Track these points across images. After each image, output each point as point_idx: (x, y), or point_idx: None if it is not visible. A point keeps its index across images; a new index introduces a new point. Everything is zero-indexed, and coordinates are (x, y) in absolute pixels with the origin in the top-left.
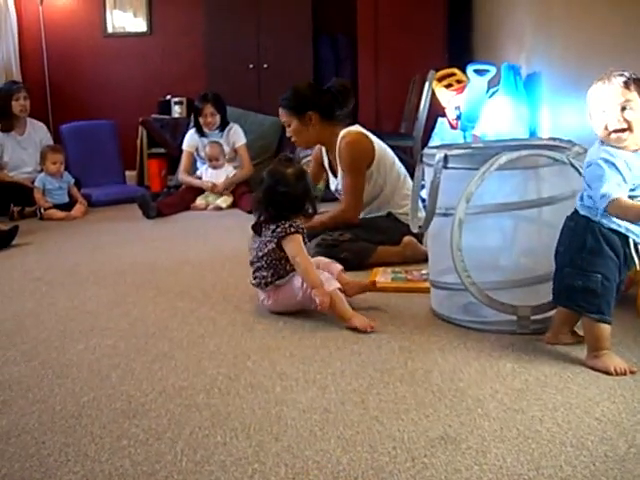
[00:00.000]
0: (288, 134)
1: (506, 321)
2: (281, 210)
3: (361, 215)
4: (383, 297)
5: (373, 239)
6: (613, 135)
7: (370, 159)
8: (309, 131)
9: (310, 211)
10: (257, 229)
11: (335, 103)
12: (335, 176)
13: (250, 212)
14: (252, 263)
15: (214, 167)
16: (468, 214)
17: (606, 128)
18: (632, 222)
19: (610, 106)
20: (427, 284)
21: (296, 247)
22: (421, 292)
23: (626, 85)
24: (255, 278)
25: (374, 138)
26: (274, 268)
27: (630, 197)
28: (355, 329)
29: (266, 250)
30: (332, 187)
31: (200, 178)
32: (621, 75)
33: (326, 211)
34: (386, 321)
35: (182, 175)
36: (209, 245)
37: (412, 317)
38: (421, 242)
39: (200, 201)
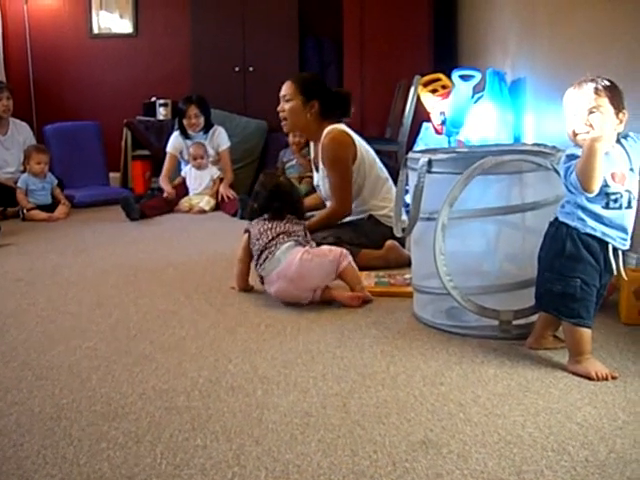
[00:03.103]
0: (280, 110)
1: (489, 326)
2: (284, 207)
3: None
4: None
5: (355, 242)
6: (579, 137)
7: (353, 155)
8: (304, 117)
9: (302, 214)
10: (277, 215)
11: (339, 107)
12: (317, 171)
13: (234, 215)
14: (277, 235)
15: (198, 167)
16: (451, 219)
17: (574, 131)
18: (593, 168)
19: (579, 110)
20: (410, 289)
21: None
22: (404, 297)
23: (596, 91)
24: (285, 241)
25: (357, 137)
26: (304, 239)
27: (609, 207)
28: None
29: (297, 228)
30: (314, 181)
31: (184, 180)
32: (593, 81)
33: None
34: (369, 325)
35: (161, 179)
36: (192, 247)
37: (395, 321)
38: (404, 246)
39: (184, 204)
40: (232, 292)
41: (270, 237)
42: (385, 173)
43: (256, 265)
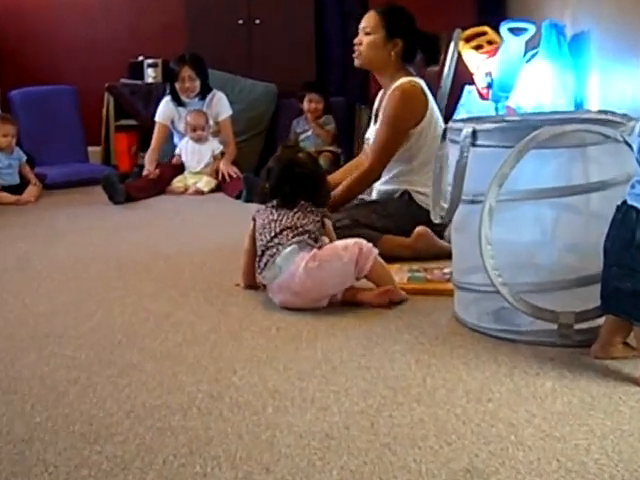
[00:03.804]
0: (356, 42)
1: (545, 331)
2: (297, 193)
3: (374, 192)
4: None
5: (377, 224)
6: None
7: (417, 120)
8: (382, 54)
9: (324, 199)
10: (287, 202)
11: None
12: (375, 122)
13: (238, 197)
14: (281, 231)
15: (197, 140)
16: (500, 201)
17: None
18: None
19: None
20: (450, 285)
21: (332, 231)
22: (443, 295)
23: None
24: (287, 242)
25: (431, 99)
26: (315, 235)
27: None
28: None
29: (308, 221)
30: (367, 135)
31: (180, 156)
32: None
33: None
34: (401, 329)
35: (148, 153)
36: (187, 236)
37: (432, 325)
38: (441, 236)
39: (177, 184)
40: (237, 289)
41: (273, 233)
42: None
43: (257, 268)
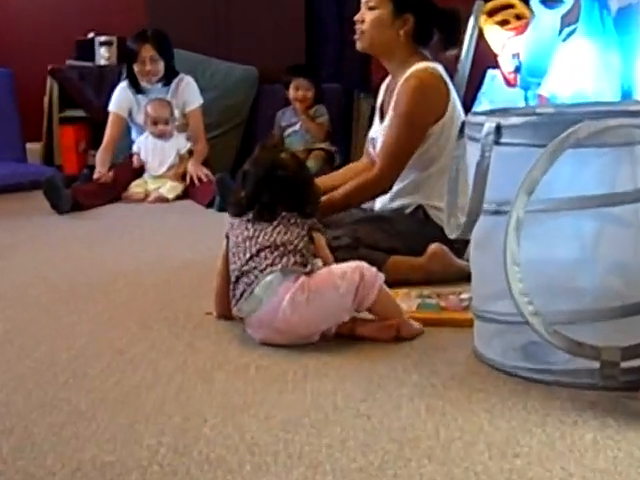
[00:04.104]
0: (357, 19)
1: (584, 370)
2: (277, 201)
3: (377, 204)
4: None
5: (383, 245)
6: None
7: (437, 115)
8: (390, 34)
9: (312, 208)
10: (264, 214)
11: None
12: (382, 120)
13: (209, 205)
14: (258, 252)
15: (160, 135)
16: (530, 212)
17: None
18: None
19: None
20: (469, 315)
21: (325, 247)
22: (460, 326)
23: None
24: (268, 267)
25: (453, 90)
26: (302, 254)
27: None
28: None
29: (292, 237)
30: (370, 134)
31: (138, 155)
32: None
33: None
34: (409, 368)
35: (100, 151)
36: (149, 253)
37: (447, 363)
38: (460, 253)
39: (136, 189)
40: (208, 319)
41: (248, 255)
42: None
43: (232, 297)
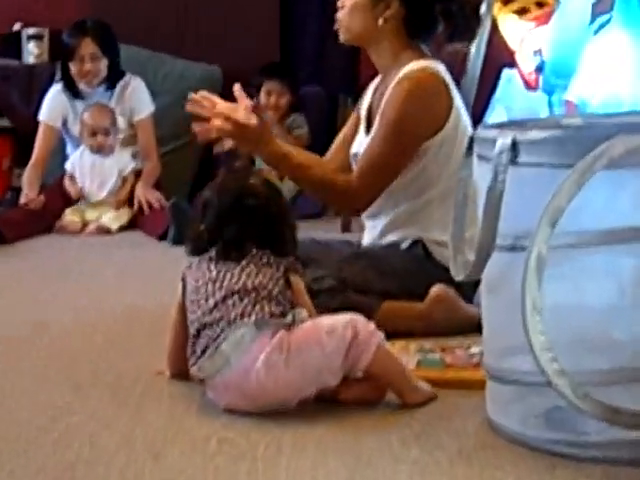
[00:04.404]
0: (338, 5)
1: (622, 442)
2: (246, 236)
3: (366, 238)
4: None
5: (375, 288)
6: None
7: (435, 126)
8: (367, 22)
9: (290, 244)
10: (231, 250)
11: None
12: (368, 132)
13: (162, 237)
14: (224, 298)
15: (98, 150)
16: (554, 248)
17: None
18: None
19: None
20: (480, 373)
21: (304, 292)
22: (470, 388)
23: None
24: (238, 319)
25: (457, 95)
26: (278, 302)
27: None
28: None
29: (265, 279)
30: (352, 149)
31: (72, 176)
32: None
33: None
34: (407, 441)
35: (28, 170)
36: (88, 298)
37: (453, 434)
38: (468, 298)
39: (71, 217)
40: (160, 380)
41: (212, 302)
42: None
43: (191, 354)
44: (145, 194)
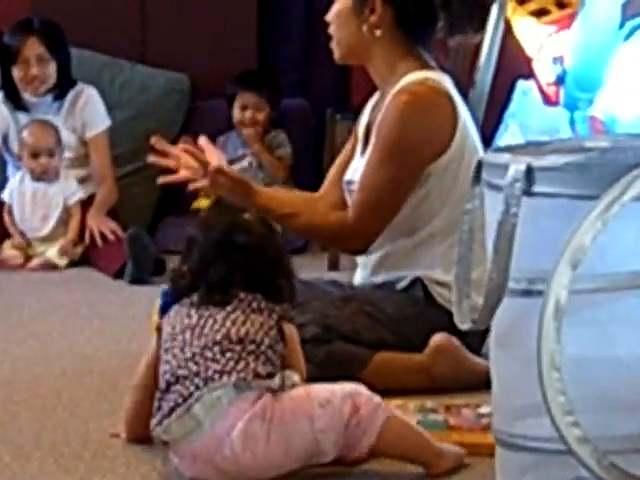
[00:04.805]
0: (328, 20)
1: None
2: (234, 278)
3: (357, 277)
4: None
5: (365, 335)
6: None
7: (439, 147)
8: (355, 32)
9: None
10: (213, 295)
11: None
12: (362, 151)
13: (118, 275)
14: (203, 349)
15: (41, 175)
16: (576, 293)
17: None
18: None
19: None
20: (490, 438)
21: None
22: (478, 454)
23: None
24: (215, 377)
25: (464, 111)
26: (267, 359)
27: None
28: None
29: (253, 329)
30: (346, 176)
31: (10, 208)
32: None
33: None
34: None
35: None
36: (30, 347)
37: None
38: (475, 349)
39: (11, 251)
40: (114, 442)
41: (189, 353)
42: None
43: (155, 411)
44: (98, 224)
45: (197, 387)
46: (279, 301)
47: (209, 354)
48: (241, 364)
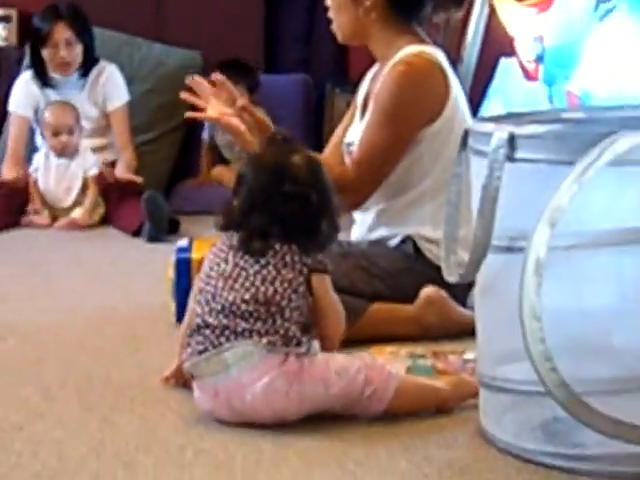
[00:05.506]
0: (327, 4)
1: (624, 455)
2: (272, 230)
3: (353, 233)
4: None
5: (361, 288)
6: None
7: (431, 113)
8: (354, 15)
9: (326, 238)
10: (251, 243)
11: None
12: (361, 117)
13: (137, 233)
14: (232, 304)
15: (62, 151)
16: (554, 249)
17: None
18: None
19: None
20: (473, 381)
21: (330, 290)
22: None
23: None
24: (249, 336)
25: (455, 81)
26: (292, 320)
27: None
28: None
29: (281, 288)
30: (347, 138)
31: (36, 180)
32: None
33: None
34: (394, 453)
35: (6, 164)
36: (55, 299)
37: (444, 445)
38: (462, 300)
39: (40, 210)
40: (132, 386)
41: (219, 305)
42: None
43: (186, 346)
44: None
45: (227, 339)
46: (318, 249)
47: (237, 311)
48: (269, 325)
